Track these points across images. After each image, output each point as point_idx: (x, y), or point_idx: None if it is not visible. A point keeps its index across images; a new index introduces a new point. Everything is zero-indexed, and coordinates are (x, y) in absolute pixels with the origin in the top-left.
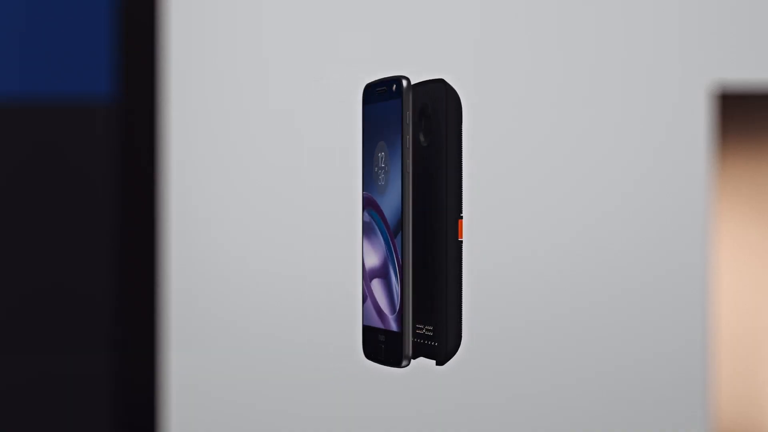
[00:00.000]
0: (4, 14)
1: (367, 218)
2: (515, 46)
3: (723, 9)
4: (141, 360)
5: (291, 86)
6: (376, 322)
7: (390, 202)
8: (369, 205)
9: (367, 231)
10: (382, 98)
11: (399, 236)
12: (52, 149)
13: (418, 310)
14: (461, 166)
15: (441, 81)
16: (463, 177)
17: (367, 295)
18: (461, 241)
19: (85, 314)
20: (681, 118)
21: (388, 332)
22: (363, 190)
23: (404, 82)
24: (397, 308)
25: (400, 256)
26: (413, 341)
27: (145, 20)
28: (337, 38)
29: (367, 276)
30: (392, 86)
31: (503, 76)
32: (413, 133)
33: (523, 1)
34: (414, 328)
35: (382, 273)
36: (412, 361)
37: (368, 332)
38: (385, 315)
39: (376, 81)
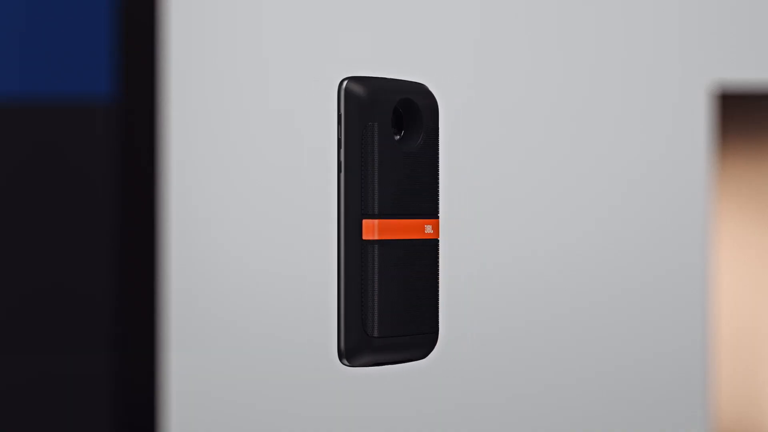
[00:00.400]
0: (4, 14)
1: None
2: (515, 46)
3: (723, 9)
4: (141, 360)
5: (291, 86)
6: None
7: None
8: None
9: None
10: None
11: None
12: (52, 149)
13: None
14: (372, 162)
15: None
16: (438, 177)
17: None
18: (369, 241)
19: (85, 314)
20: (681, 118)
21: None
22: None
23: (344, 82)
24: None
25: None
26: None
27: (145, 20)
28: (337, 38)
29: None
30: None
31: (503, 76)
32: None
33: (523, 1)
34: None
35: None
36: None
37: None
38: None
39: None
